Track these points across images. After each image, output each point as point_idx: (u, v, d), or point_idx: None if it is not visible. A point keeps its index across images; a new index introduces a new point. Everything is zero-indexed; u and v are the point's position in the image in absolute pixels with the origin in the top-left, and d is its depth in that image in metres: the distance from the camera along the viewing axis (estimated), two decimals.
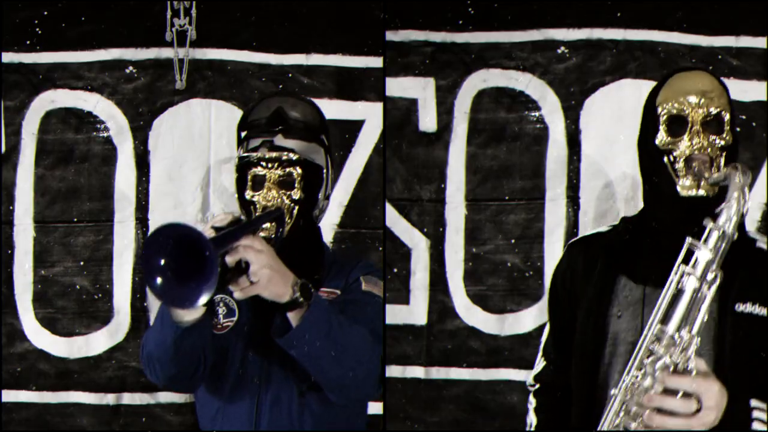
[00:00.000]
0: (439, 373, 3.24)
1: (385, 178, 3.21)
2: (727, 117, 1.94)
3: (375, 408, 3.17)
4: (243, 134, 2.30)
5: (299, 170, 2.23)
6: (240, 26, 3.22)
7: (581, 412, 1.96)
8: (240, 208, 2.29)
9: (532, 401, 2.15)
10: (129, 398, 3.21)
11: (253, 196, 2.23)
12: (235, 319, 2.23)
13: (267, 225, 2.17)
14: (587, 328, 1.96)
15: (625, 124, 3.09)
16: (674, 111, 1.91)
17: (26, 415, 3.24)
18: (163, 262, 1.82)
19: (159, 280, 1.83)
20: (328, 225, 3.22)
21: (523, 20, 3.17)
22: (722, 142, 1.92)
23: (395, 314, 3.22)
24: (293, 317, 2.00)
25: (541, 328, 3.12)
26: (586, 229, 3.10)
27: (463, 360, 3.20)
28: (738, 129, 3.05)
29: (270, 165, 2.21)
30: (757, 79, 3.08)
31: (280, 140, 2.24)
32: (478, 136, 3.23)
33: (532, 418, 2.12)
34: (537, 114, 3.20)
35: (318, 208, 2.32)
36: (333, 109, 3.22)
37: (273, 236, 2.16)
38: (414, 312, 3.24)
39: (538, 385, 2.16)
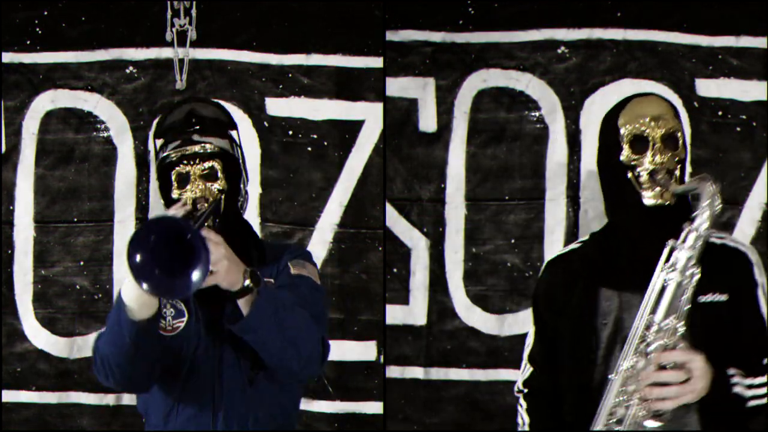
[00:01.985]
0: (438, 373, 3.23)
1: (385, 178, 3.21)
2: (679, 135, 2.17)
3: (374, 408, 3.18)
4: (159, 142, 2.39)
5: (219, 162, 2.32)
6: (240, 26, 3.22)
7: (575, 412, 2.18)
8: (167, 209, 2.33)
9: (523, 404, 2.31)
10: (129, 398, 3.21)
11: (180, 194, 2.30)
12: (185, 319, 2.29)
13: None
14: (576, 336, 2.19)
15: None
16: (636, 131, 2.14)
17: (26, 415, 3.24)
18: (150, 258, 1.92)
19: (156, 271, 1.92)
20: (328, 225, 3.23)
21: (523, 20, 3.17)
22: (678, 157, 2.16)
23: (395, 314, 3.22)
24: (243, 304, 2.09)
25: None
26: (586, 228, 3.10)
27: (462, 360, 3.20)
28: (738, 129, 3.11)
29: (192, 162, 2.30)
30: (757, 79, 3.08)
31: (196, 138, 2.33)
32: (477, 136, 3.23)
33: (525, 419, 2.29)
34: (537, 114, 3.20)
35: (241, 199, 2.41)
36: (333, 109, 3.23)
37: (210, 226, 2.24)
38: (413, 312, 3.24)
39: (527, 390, 2.33)
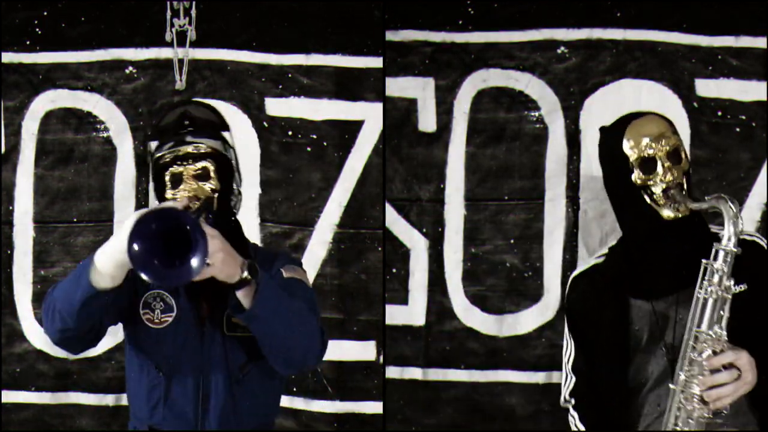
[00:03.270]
0: (437, 374, 3.23)
1: (384, 178, 3.21)
2: (681, 148, 2.36)
3: (374, 408, 3.18)
4: (155, 144, 2.43)
5: (212, 163, 2.37)
6: (240, 26, 3.23)
7: (617, 415, 2.40)
8: None
9: (575, 414, 2.46)
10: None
11: (174, 194, 2.36)
12: (174, 314, 2.34)
13: None
14: (612, 345, 2.40)
15: None
16: (643, 154, 2.32)
17: (25, 416, 3.24)
18: (151, 247, 1.99)
19: (155, 261, 2.00)
20: (328, 225, 3.23)
21: (523, 20, 3.17)
22: (684, 170, 2.35)
23: (394, 315, 3.22)
24: (244, 296, 2.14)
25: (541, 329, 3.16)
26: (586, 228, 3.10)
27: (461, 361, 3.20)
28: (738, 129, 3.11)
29: (185, 162, 2.35)
30: (757, 79, 3.08)
31: (189, 139, 2.38)
32: (477, 136, 3.23)
33: (580, 427, 2.45)
34: (537, 114, 3.20)
35: (234, 199, 2.46)
36: (332, 109, 3.22)
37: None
38: (412, 312, 3.24)
39: (575, 400, 2.48)
